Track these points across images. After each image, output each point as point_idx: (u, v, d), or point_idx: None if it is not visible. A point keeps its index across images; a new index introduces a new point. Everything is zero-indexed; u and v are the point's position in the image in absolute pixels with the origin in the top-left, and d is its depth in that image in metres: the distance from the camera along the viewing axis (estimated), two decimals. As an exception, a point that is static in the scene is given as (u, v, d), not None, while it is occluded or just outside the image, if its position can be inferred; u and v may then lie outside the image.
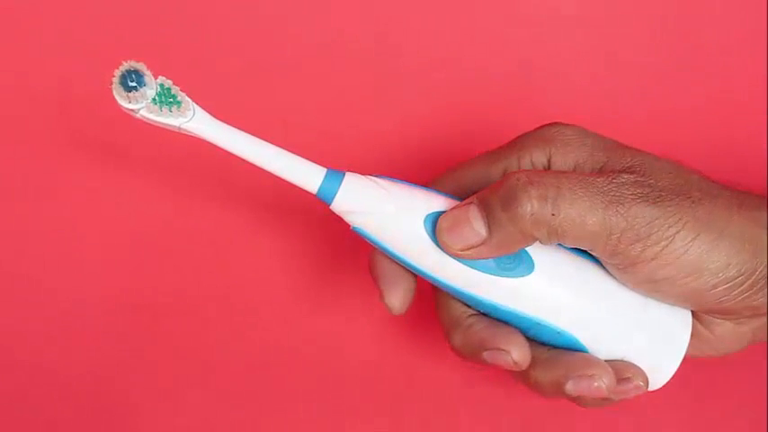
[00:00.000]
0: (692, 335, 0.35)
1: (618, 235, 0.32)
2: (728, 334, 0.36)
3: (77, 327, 0.48)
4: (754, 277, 0.33)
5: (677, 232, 0.32)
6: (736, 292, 0.34)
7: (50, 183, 0.48)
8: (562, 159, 0.35)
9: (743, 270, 0.33)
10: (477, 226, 0.33)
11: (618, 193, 0.33)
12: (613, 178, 0.33)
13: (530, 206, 0.32)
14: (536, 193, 0.32)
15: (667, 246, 0.33)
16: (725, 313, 0.35)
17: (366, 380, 0.48)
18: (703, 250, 0.33)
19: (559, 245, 0.35)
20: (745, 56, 0.49)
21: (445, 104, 0.48)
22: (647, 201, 0.33)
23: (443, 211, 0.34)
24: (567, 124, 0.37)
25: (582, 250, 0.36)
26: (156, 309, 0.48)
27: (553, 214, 0.32)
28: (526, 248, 0.34)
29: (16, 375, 0.48)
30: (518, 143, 0.37)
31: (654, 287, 0.34)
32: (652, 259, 0.33)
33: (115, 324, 0.48)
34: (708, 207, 0.33)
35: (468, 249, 0.33)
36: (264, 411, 0.48)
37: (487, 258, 0.34)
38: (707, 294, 0.34)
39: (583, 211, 0.32)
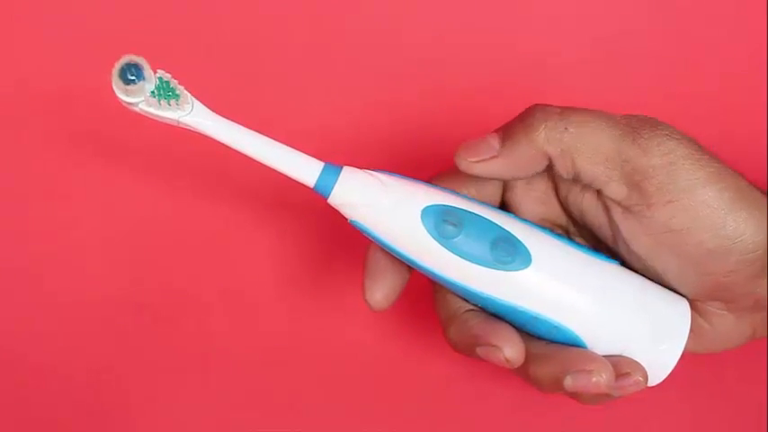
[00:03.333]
0: (692, 329, 0.35)
1: (633, 163, 0.32)
2: (728, 328, 0.36)
3: (77, 327, 0.48)
4: (760, 253, 0.33)
5: (696, 175, 0.32)
6: (746, 268, 0.33)
7: (49, 182, 0.48)
8: None
9: (756, 242, 0.33)
10: (492, 141, 0.34)
11: (636, 126, 0.33)
12: (631, 115, 0.33)
13: (544, 117, 0.33)
14: (553, 109, 0.33)
15: (686, 188, 0.32)
16: (729, 299, 0.35)
17: (366, 376, 0.48)
18: (723, 205, 0.32)
19: (556, 236, 0.35)
20: (745, 55, 0.49)
21: (445, 101, 0.48)
22: (668, 136, 0.33)
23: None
24: None
25: (582, 245, 0.36)
26: (155, 308, 0.48)
27: (566, 128, 0.32)
28: (523, 242, 0.34)
29: (16, 375, 0.48)
30: None
31: (669, 241, 0.33)
32: (669, 201, 0.33)
33: (115, 323, 0.48)
34: (728, 169, 0.33)
35: (480, 162, 0.34)
36: (265, 411, 0.48)
37: (496, 176, 0.34)
38: (720, 261, 0.33)
39: (597, 131, 0.33)
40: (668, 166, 0.32)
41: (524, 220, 0.36)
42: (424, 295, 0.39)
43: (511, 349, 0.33)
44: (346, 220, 0.35)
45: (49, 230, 0.48)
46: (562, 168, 0.34)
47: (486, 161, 0.34)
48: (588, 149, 0.33)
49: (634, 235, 0.34)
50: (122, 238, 0.48)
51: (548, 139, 0.33)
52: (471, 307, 0.36)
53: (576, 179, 0.34)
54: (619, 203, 0.34)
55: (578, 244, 0.36)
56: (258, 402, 0.48)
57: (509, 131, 0.34)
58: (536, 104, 0.34)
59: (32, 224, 0.48)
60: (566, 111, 0.33)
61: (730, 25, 0.49)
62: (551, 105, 0.34)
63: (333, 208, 0.35)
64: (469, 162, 0.34)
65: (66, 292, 0.48)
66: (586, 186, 0.35)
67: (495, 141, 0.34)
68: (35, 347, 0.48)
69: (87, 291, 0.48)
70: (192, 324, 0.49)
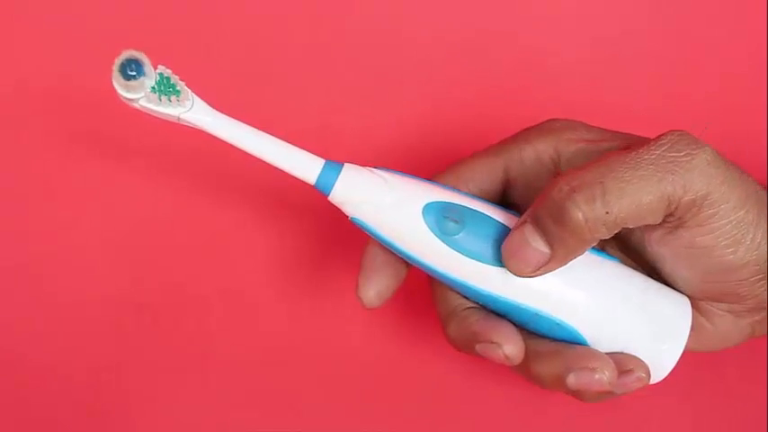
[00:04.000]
0: (693, 327, 0.35)
1: (675, 202, 0.32)
2: (729, 327, 0.36)
3: (77, 326, 0.48)
4: None
5: (728, 200, 0.32)
6: (756, 275, 0.33)
7: (49, 182, 0.48)
8: (568, 146, 0.35)
9: None
10: (537, 245, 0.32)
11: (669, 158, 0.31)
12: (655, 143, 0.32)
13: (581, 214, 0.31)
14: (582, 198, 0.31)
15: (717, 212, 0.32)
16: (734, 301, 0.35)
17: (366, 376, 0.48)
18: (747, 223, 0.32)
19: None
20: (745, 55, 0.49)
21: (446, 100, 0.48)
22: (707, 162, 0.32)
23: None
24: (569, 119, 0.37)
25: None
26: (155, 308, 0.48)
27: (607, 212, 0.31)
28: None
29: (16, 375, 0.48)
30: (520, 136, 0.37)
31: (689, 255, 0.33)
32: (699, 225, 0.32)
33: (115, 323, 0.48)
34: (751, 183, 0.33)
35: (538, 269, 0.33)
36: (265, 411, 0.48)
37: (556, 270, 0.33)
38: (735, 273, 0.33)
39: (636, 195, 0.31)
40: (707, 195, 0.32)
41: None
42: (424, 294, 0.39)
43: (510, 346, 0.33)
44: (347, 217, 0.35)
45: (49, 230, 0.48)
46: (609, 236, 0.32)
47: (543, 267, 0.33)
48: (633, 215, 0.32)
49: (654, 242, 0.34)
50: (122, 238, 0.48)
51: (593, 230, 0.31)
52: (471, 304, 0.36)
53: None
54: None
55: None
56: (258, 402, 0.48)
57: (550, 233, 0.32)
58: (560, 194, 0.31)
59: (32, 224, 0.48)
60: (593, 187, 0.31)
61: (730, 25, 0.49)
62: (575, 191, 0.31)
63: (332, 208, 0.35)
64: (528, 274, 0.33)
65: (67, 292, 0.48)
66: None
67: (539, 244, 0.32)
68: (35, 347, 0.48)
69: (87, 291, 0.48)
70: (192, 324, 0.49)
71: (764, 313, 0.36)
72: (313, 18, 0.48)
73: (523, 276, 0.33)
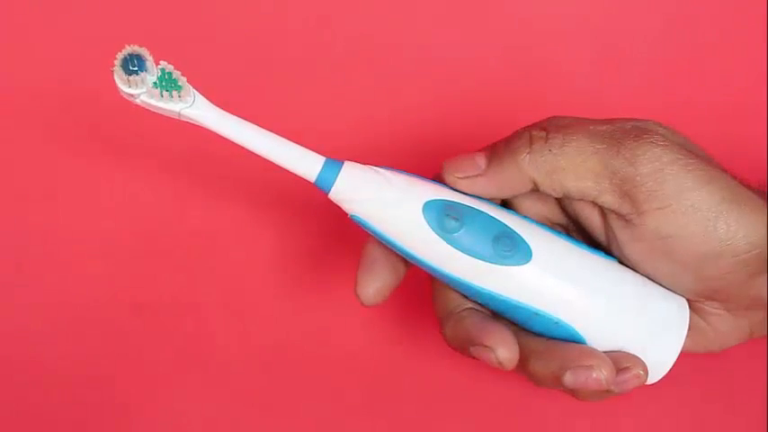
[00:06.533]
0: (691, 328, 0.35)
1: (620, 174, 0.32)
2: (727, 327, 0.36)
3: (77, 327, 0.48)
4: (757, 252, 0.33)
5: (684, 180, 0.32)
6: (742, 269, 0.33)
7: (49, 182, 0.48)
8: None
9: (751, 242, 0.33)
10: (479, 161, 0.34)
11: (621, 135, 0.32)
12: (617, 123, 0.33)
13: (528, 141, 0.33)
14: (536, 131, 0.33)
15: (674, 194, 0.32)
16: (725, 299, 0.35)
17: (367, 376, 0.48)
18: (712, 207, 0.32)
19: (556, 232, 0.35)
20: (745, 55, 0.49)
21: (445, 102, 0.48)
22: (653, 143, 0.32)
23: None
24: (565, 116, 0.37)
25: (581, 242, 0.36)
26: (155, 308, 0.48)
27: (550, 150, 0.32)
28: (524, 237, 0.34)
29: (16, 375, 0.48)
30: None
31: (661, 247, 0.33)
32: (658, 209, 0.32)
33: (114, 324, 0.48)
34: (717, 169, 0.33)
35: (465, 179, 0.34)
36: (265, 410, 0.48)
37: (481, 194, 0.34)
38: (712, 265, 0.33)
39: (582, 147, 0.32)
40: (655, 173, 0.32)
41: (525, 216, 0.36)
42: (425, 293, 0.38)
43: (503, 351, 0.33)
44: (347, 216, 0.35)
45: (49, 230, 0.48)
46: (549, 189, 0.34)
47: (470, 178, 0.34)
48: (573, 168, 0.33)
49: (627, 241, 0.34)
50: (122, 239, 0.48)
51: (532, 162, 0.33)
52: (469, 305, 0.36)
53: (566, 196, 0.34)
54: (613, 212, 0.34)
55: (578, 241, 0.36)
56: (258, 402, 0.48)
57: (495, 153, 0.34)
58: (523, 128, 0.34)
59: (32, 224, 0.48)
60: (550, 132, 0.33)
61: (730, 25, 0.49)
62: (537, 128, 0.34)
63: (332, 207, 0.35)
64: (455, 177, 0.34)
65: (66, 293, 0.48)
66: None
67: (481, 161, 0.34)
68: (35, 347, 0.48)
69: (87, 291, 0.48)
70: (192, 324, 0.48)
71: (762, 312, 0.36)
72: (313, 18, 0.48)
73: (449, 182, 0.34)
